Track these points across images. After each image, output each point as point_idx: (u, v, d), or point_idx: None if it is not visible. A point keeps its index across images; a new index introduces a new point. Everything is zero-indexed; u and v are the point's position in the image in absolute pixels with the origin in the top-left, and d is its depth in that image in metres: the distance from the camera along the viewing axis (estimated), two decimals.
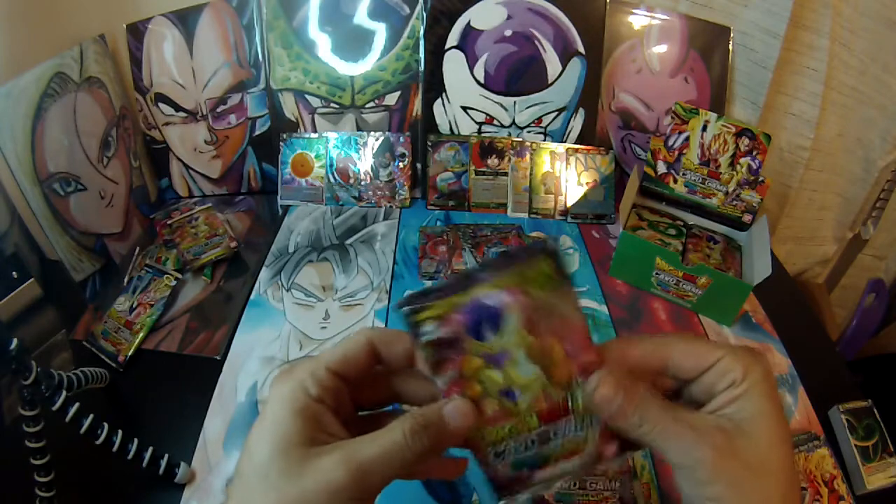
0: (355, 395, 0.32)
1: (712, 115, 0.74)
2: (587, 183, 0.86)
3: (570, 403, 0.29)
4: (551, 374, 0.29)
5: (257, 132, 0.87)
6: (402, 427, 0.28)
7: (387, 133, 0.86)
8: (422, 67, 0.84)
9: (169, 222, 0.79)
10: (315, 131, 0.86)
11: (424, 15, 0.82)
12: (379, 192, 0.86)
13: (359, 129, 0.87)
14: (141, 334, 0.65)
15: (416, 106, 0.86)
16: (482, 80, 0.84)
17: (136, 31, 0.82)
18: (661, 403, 0.29)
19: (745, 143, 0.73)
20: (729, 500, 0.27)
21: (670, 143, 0.77)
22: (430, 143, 0.86)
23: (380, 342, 0.31)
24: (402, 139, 0.85)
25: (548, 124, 0.87)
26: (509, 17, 0.82)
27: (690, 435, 0.28)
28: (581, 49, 0.84)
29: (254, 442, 0.28)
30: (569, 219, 0.85)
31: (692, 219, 0.80)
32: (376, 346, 0.31)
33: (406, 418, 0.28)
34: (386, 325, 0.68)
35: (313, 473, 0.26)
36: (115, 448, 0.49)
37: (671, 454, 0.28)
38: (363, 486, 0.27)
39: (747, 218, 0.76)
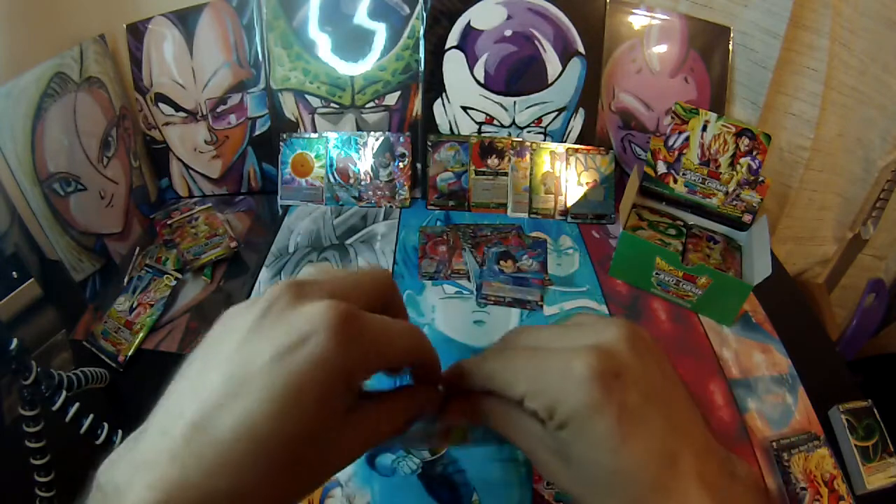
0: None
1: (712, 115, 0.74)
2: (587, 183, 0.86)
3: None
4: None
5: (257, 132, 0.87)
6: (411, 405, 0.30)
7: (387, 133, 0.86)
8: (422, 67, 0.84)
9: (169, 222, 0.79)
10: (315, 131, 0.86)
11: (424, 15, 0.82)
12: (379, 192, 0.86)
13: (359, 129, 0.87)
14: (141, 334, 0.65)
15: (416, 106, 0.86)
16: (482, 80, 0.84)
17: (136, 31, 0.82)
18: (497, 406, 0.30)
19: (745, 143, 0.73)
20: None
21: (670, 143, 0.77)
22: (430, 143, 0.86)
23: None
24: (402, 139, 0.85)
25: (548, 124, 0.87)
26: (509, 17, 0.82)
27: (523, 444, 0.30)
28: (581, 49, 0.84)
29: (287, 383, 0.23)
30: (569, 219, 0.85)
31: (692, 219, 0.80)
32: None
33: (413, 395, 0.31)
34: None
35: (342, 440, 0.25)
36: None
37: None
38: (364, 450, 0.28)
39: (747, 218, 0.76)
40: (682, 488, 0.24)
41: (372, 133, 0.85)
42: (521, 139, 0.87)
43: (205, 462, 0.21)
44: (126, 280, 0.73)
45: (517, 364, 0.29)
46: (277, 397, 0.22)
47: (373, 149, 0.85)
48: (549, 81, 0.85)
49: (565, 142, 0.88)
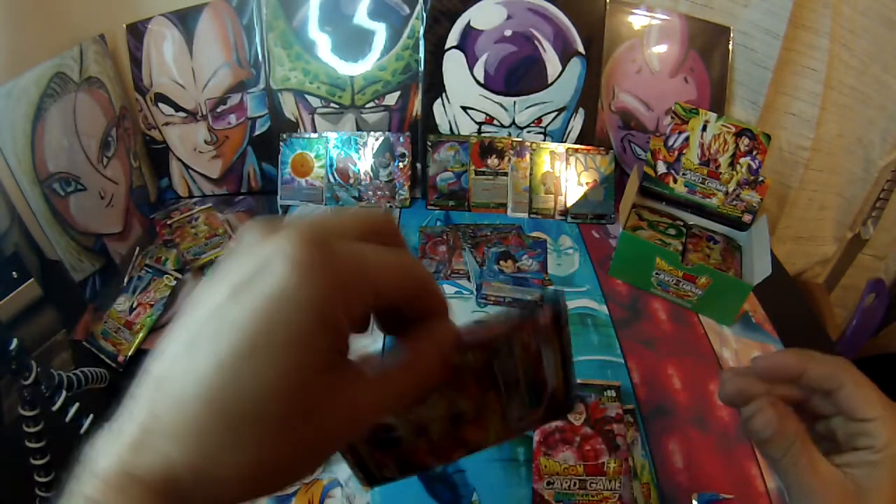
0: None
1: (712, 115, 0.74)
2: (587, 183, 0.86)
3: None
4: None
5: (257, 132, 0.87)
6: (434, 353, 0.23)
7: (387, 133, 0.86)
8: (422, 67, 0.84)
9: (169, 222, 0.79)
10: (315, 131, 0.86)
11: (424, 15, 0.82)
12: (379, 192, 0.86)
13: (359, 129, 0.87)
14: (141, 334, 0.65)
15: (416, 106, 0.86)
16: (482, 80, 0.84)
17: (136, 31, 0.82)
18: (805, 443, 0.30)
19: (745, 143, 0.73)
20: None
21: (670, 143, 0.77)
22: (430, 143, 0.86)
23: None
24: (402, 139, 0.85)
25: (548, 124, 0.87)
26: (509, 17, 0.82)
27: (815, 484, 0.29)
28: (581, 49, 0.84)
29: (267, 357, 0.19)
30: (569, 219, 0.85)
31: (692, 219, 0.80)
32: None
33: (430, 345, 0.23)
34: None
35: (325, 421, 0.20)
36: None
37: (792, 493, 0.30)
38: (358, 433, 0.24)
39: (747, 218, 0.76)
40: None
41: (372, 133, 0.85)
42: (521, 139, 0.87)
43: (161, 424, 0.19)
44: (126, 280, 0.73)
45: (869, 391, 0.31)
46: (233, 344, 0.18)
47: (373, 149, 0.85)
48: (549, 81, 0.85)
49: (565, 142, 0.88)
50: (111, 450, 0.19)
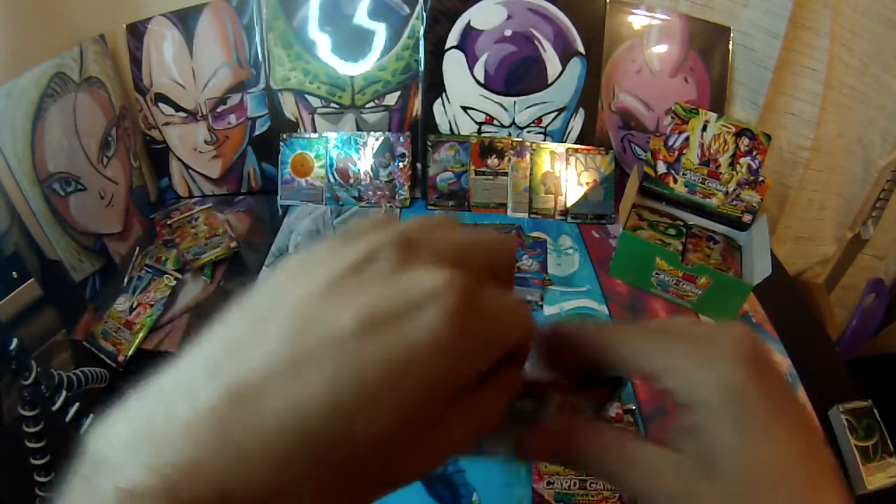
0: None
1: (712, 115, 0.74)
2: (587, 183, 0.86)
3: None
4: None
5: (257, 132, 0.87)
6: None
7: (387, 133, 0.86)
8: (422, 67, 0.84)
9: (169, 222, 0.79)
10: (315, 131, 0.86)
11: (424, 15, 0.82)
12: (379, 192, 0.86)
13: (359, 129, 0.87)
14: (141, 334, 0.65)
15: (416, 106, 0.86)
16: (482, 80, 0.84)
17: (136, 31, 0.82)
18: (615, 438, 0.23)
19: (745, 143, 0.73)
20: None
21: (670, 143, 0.77)
22: (430, 143, 0.85)
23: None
24: (402, 139, 0.85)
25: (548, 124, 0.87)
26: (509, 17, 0.82)
27: (647, 478, 0.22)
28: (581, 49, 0.84)
29: (386, 401, 0.16)
30: (569, 219, 0.85)
31: (692, 219, 0.80)
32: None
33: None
34: None
35: (418, 451, 0.18)
36: None
37: (638, 498, 0.23)
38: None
39: (747, 218, 0.76)
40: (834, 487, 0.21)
41: (372, 133, 0.85)
42: (521, 139, 0.87)
43: (233, 447, 0.15)
44: (126, 280, 0.73)
45: (655, 338, 0.24)
46: (357, 384, 0.16)
47: (373, 149, 0.85)
48: (549, 81, 0.85)
49: (565, 142, 0.88)
50: (143, 460, 0.15)
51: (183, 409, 0.16)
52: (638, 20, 0.85)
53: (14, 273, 0.60)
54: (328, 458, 0.16)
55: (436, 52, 0.83)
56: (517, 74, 0.84)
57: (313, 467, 0.16)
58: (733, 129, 0.73)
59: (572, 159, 0.86)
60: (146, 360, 0.64)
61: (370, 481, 0.17)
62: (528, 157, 0.86)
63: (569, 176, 0.86)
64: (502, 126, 0.87)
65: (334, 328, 0.16)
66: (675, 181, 0.78)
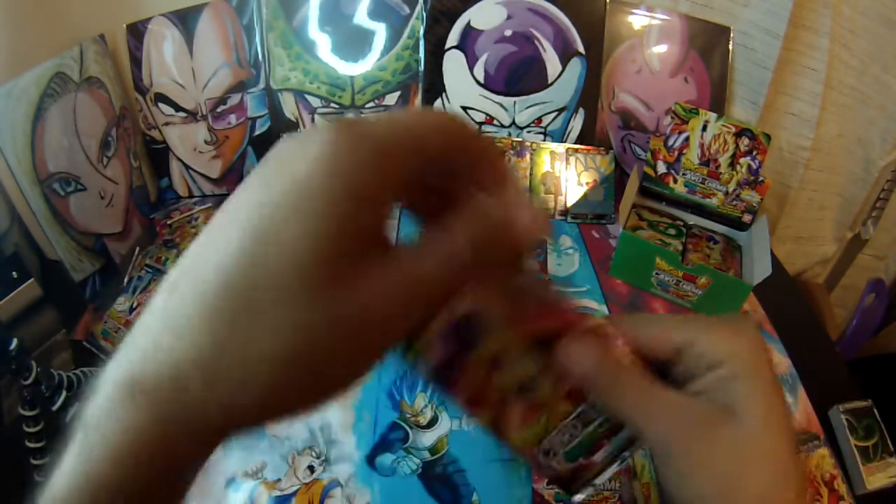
0: None
1: (712, 115, 0.74)
2: (587, 183, 0.86)
3: None
4: (553, 354, 0.27)
5: (257, 132, 0.87)
6: (465, 240, 0.20)
7: None
8: (422, 67, 0.84)
9: (169, 222, 0.79)
10: None
11: (424, 15, 0.82)
12: None
13: None
14: None
15: (417, 106, 0.86)
16: (482, 80, 0.84)
17: (136, 31, 0.82)
18: (639, 376, 0.25)
19: (745, 143, 0.73)
20: (713, 496, 0.24)
21: (670, 143, 0.77)
22: None
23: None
24: None
25: (548, 124, 0.87)
26: (509, 17, 0.82)
27: (666, 417, 0.24)
28: (581, 49, 0.84)
29: (282, 233, 0.17)
30: (569, 219, 0.85)
31: (692, 219, 0.80)
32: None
33: (467, 230, 0.20)
34: None
35: (359, 294, 0.18)
36: None
37: (647, 437, 0.25)
38: (411, 308, 0.19)
39: (747, 218, 0.76)
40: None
41: None
42: (521, 139, 0.87)
43: (172, 321, 0.17)
44: (126, 280, 0.73)
45: (682, 318, 0.27)
46: (256, 224, 0.17)
47: None
48: (549, 81, 0.85)
49: (565, 142, 0.88)
50: (122, 359, 0.18)
51: (147, 315, 0.18)
52: (638, 20, 0.85)
53: (14, 273, 0.60)
54: (260, 297, 0.17)
55: (436, 52, 0.83)
56: (517, 74, 0.84)
57: (248, 311, 0.17)
58: (733, 129, 0.73)
59: (572, 159, 0.86)
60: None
61: (323, 319, 0.17)
62: (528, 157, 0.86)
63: (569, 176, 0.86)
64: (502, 126, 0.87)
65: (242, 195, 0.19)
66: (675, 181, 0.78)
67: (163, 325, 0.17)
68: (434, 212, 0.22)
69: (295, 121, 0.86)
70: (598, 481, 0.28)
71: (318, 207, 0.17)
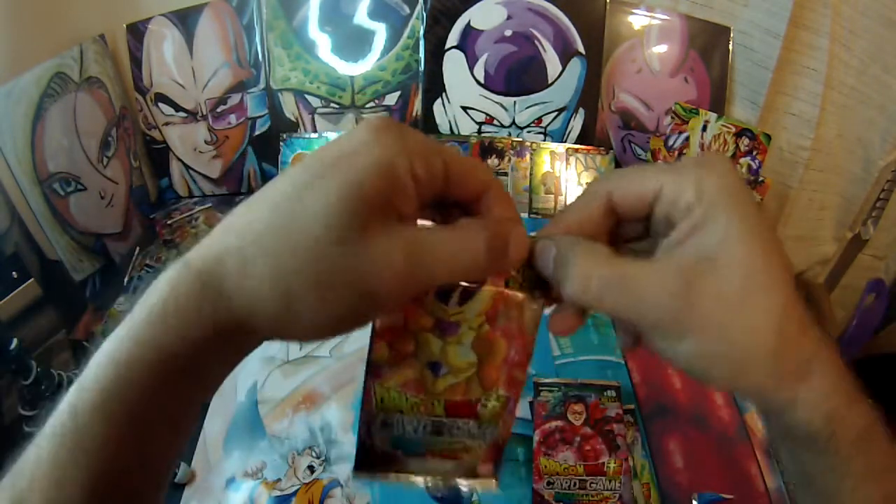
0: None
1: (712, 115, 0.74)
2: (587, 183, 0.86)
3: (479, 407, 0.27)
4: (483, 370, 0.27)
5: (257, 132, 0.87)
6: (483, 235, 0.23)
7: None
8: (422, 67, 0.84)
9: (169, 222, 0.79)
10: (315, 131, 0.86)
11: (424, 15, 0.82)
12: None
13: None
14: None
15: (416, 106, 0.86)
16: (482, 80, 0.84)
17: (136, 31, 0.82)
18: (606, 261, 0.25)
19: (745, 143, 0.73)
20: (708, 351, 0.23)
21: (670, 143, 0.77)
22: None
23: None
24: None
25: (548, 124, 0.87)
26: (509, 17, 0.82)
27: (640, 295, 0.23)
28: (581, 49, 0.84)
29: (313, 169, 0.21)
30: None
31: None
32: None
33: (486, 227, 0.24)
34: None
35: (372, 248, 0.21)
36: None
37: (633, 322, 0.25)
38: (418, 279, 0.22)
39: None
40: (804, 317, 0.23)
41: None
42: (521, 139, 0.87)
43: (226, 230, 0.22)
44: (126, 280, 0.73)
45: (643, 169, 0.26)
46: (300, 178, 0.21)
47: None
48: (549, 81, 0.85)
49: (565, 142, 0.88)
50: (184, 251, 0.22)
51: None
52: (638, 20, 0.85)
53: (14, 273, 0.60)
54: (295, 230, 0.21)
55: (436, 52, 0.83)
56: (517, 74, 0.84)
57: (284, 237, 0.21)
58: (733, 129, 0.73)
59: (572, 159, 0.86)
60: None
61: (342, 258, 0.21)
62: (528, 157, 0.86)
63: (569, 176, 0.86)
64: (502, 126, 0.87)
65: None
66: None
67: (220, 230, 0.22)
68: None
69: (295, 121, 0.86)
70: (381, 479, 0.28)
71: (352, 179, 0.21)
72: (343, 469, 0.54)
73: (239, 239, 0.21)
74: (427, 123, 0.86)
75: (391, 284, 0.22)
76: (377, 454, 0.27)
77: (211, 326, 0.21)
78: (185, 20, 0.81)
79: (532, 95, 0.85)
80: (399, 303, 0.25)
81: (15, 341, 0.44)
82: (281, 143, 0.86)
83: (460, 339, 0.27)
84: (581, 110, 0.86)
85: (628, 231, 0.28)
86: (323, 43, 0.83)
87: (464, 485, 0.29)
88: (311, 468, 0.54)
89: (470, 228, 0.24)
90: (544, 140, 0.87)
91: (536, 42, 0.83)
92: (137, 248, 0.78)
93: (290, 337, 0.23)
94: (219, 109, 0.85)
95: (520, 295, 0.28)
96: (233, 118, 0.85)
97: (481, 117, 0.86)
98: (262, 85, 0.84)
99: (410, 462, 0.28)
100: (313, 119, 0.86)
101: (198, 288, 0.21)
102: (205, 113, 0.85)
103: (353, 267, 0.21)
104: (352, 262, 0.21)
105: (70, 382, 0.23)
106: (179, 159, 0.87)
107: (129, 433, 0.20)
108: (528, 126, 0.87)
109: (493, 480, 0.28)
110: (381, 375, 0.27)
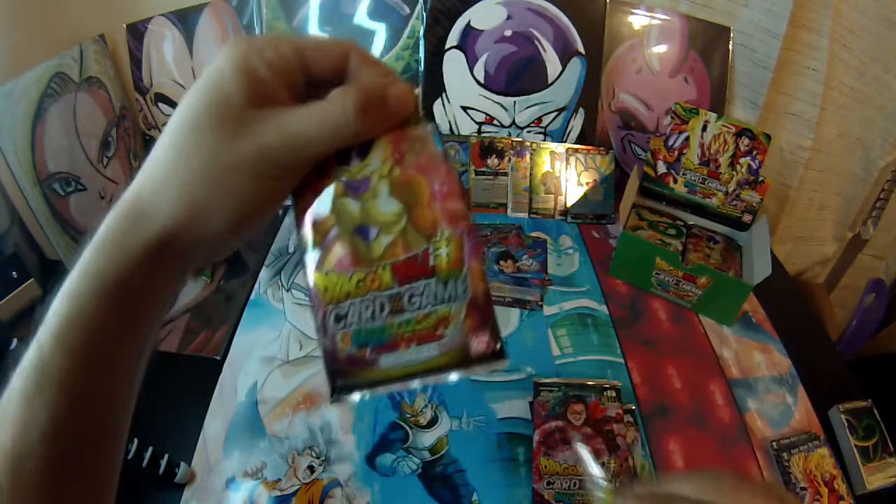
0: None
1: (712, 115, 0.74)
2: (587, 183, 0.86)
3: (431, 259, 0.24)
4: (414, 215, 0.24)
5: None
6: (344, 103, 0.25)
7: None
8: (422, 67, 0.84)
9: None
10: None
11: (424, 15, 0.82)
12: None
13: None
14: None
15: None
16: (482, 80, 0.84)
17: (136, 31, 0.82)
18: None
19: (745, 143, 0.73)
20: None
21: (670, 143, 0.77)
22: None
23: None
24: None
25: (548, 124, 0.87)
26: (509, 17, 0.82)
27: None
28: (581, 49, 0.84)
29: (189, 95, 0.25)
30: (569, 219, 0.85)
31: (692, 219, 0.80)
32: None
33: (348, 92, 0.25)
34: None
35: (246, 137, 0.24)
36: None
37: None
38: (296, 158, 0.25)
39: (747, 218, 0.76)
40: None
41: None
42: (521, 139, 0.87)
43: (141, 170, 0.25)
44: None
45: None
46: (180, 108, 0.25)
47: None
48: (549, 81, 0.85)
49: (565, 142, 0.88)
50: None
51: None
52: (638, 20, 0.85)
53: (14, 273, 0.60)
54: (178, 139, 0.24)
55: (436, 52, 0.83)
56: (517, 74, 0.84)
57: (174, 148, 0.25)
58: (733, 129, 0.73)
59: (572, 159, 0.86)
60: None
61: (228, 151, 0.24)
62: (528, 156, 0.86)
63: (569, 176, 0.86)
64: (502, 126, 0.87)
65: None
66: (675, 181, 0.78)
67: (141, 169, 0.25)
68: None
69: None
70: (368, 393, 0.24)
71: (213, 81, 0.24)
72: (343, 469, 0.54)
73: (150, 169, 0.25)
74: None
75: (274, 162, 0.24)
76: (345, 361, 0.24)
77: (140, 247, 0.24)
78: (185, 20, 0.81)
79: (532, 95, 0.85)
80: (291, 179, 0.26)
81: (15, 341, 0.44)
82: None
83: (376, 192, 0.25)
84: (581, 110, 0.86)
85: None
86: None
87: (462, 375, 0.23)
88: (311, 468, 0.54)
89: (334, 97, 0.25)
90: (544, 140, 0.87)
91: (536, 42, 0.83)
92: None
93: (211, 236, 0.25)
94: None
95: (416, 128, 0.26)
96: None
97: (481, 117, 0.86)
98: None
99: (383, 360, 0.24)
100: None
101: (125, 218, 0.24)
102: None
103: (235, 153, 0.24)
104: (234, 149, 0.24)
105: None
106: None
107: (87, 361, 0.23)
108: (528, 126, 0.87)
109: (498, 357, 0.23)
110: (315, 262, 0.25)
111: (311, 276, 0.25)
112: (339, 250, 0.25)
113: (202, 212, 0.24)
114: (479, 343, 0.23)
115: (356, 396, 0.24)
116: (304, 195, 0.26)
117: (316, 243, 0.25)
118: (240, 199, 0.24)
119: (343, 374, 0.24)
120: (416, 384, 0.24)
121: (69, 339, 0.23)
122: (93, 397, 0.24)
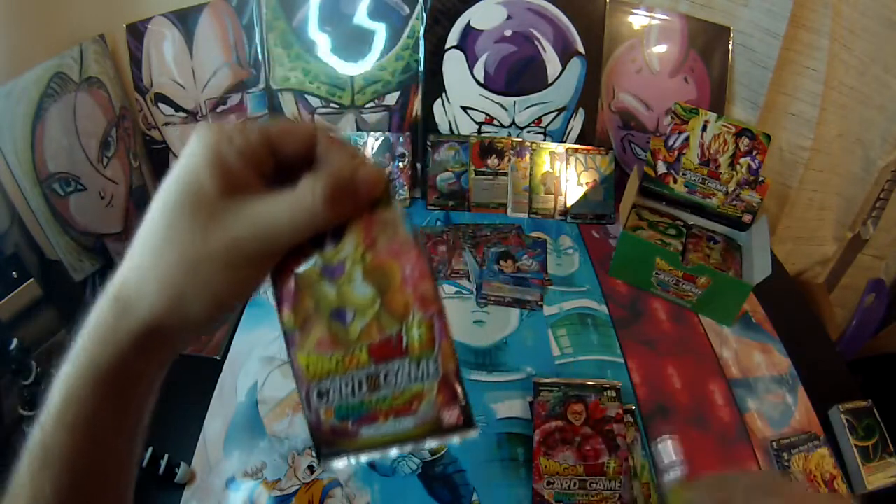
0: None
1: (712, 115, 0.74)
2: (587, 183, 0.86)
3: (404, 341, 0.26)
4: (387, 300, 0.26)
5: None
6: (313, 191, 0.25)
7: (387, 133, 0.86)
8: (422, 67, 0.84)
9: None
10: None
11: (424, 15, 0.82)
12: None
13: (359, 129, 0.86)
14: None
15: (416, 106, 0.86)
16: (482, 80, 0.84)
17: (136, 31, 0.82)
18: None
19: (745, 143, 0.73)
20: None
21: (670, 143, 0.77)
22: (430, 143, 0.85)
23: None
24: (401, 139, 0.85)
25: (548, 124, 0.87)
26: (509, 17, 0.82)
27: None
28: (581, 49, 0.84)
29: (167, 181, 0.25)
30: (569, 219, 0.85)
31: (692, 219, 0.80)
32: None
33: (317, 180, 0.25)
34: None
35: (218, 228, 0.25)
36: None
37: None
38: (268, 248, 0.25)
39: (747, 218, 0.76)
40: None
41: (372, 133, 0.85)
42: (521, 139, 0.87)
43: (124, 264, 0.26)
44: None
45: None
46: (155, 202, 0.25)
47: (373, 149, 0.85)
48: (549, 81, 0.85)
49: (565, 142, 0.88)
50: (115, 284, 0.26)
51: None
52: (638, 20, 0.85)
53: (14, 273, 0.60)
54: (153, 234, 0.25)
55: (436, 52, 0.83)
56: (517, 74, 0.84)
57: (150, 241, 0.25)
58: (733, 129, 0.73)
59: (572, 159, 0.86)
60: None
61: (203, 242, 0.24)
62: (527, 157, 0.86)
63: (569, 176, 0.86)
64: (502, 126, 0.87)
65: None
66: (675, 181, 0.78)
67: (125, 259, 0.26)
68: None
69: (295, 121, 0.86)
70: (353, 459, 0.26)
71: (184, 176, 0.25)
72: (343, 469, 0.54)
73: (133, 259, 0.26)
74: (427, 123, 0.86)
75: (245, 253, 0.25)
76: (329, 432, 0.26)
77: (129, 334, 0.25)
78: (185, 20, 0.81)
79: (532, 95, 0.85)
80: (264, 267, 0.26)
81: (15, 341, 0.44)
82: None
83: (350, 277, 0.26)
84: (581, 110, 0.86)
85: None
86: (323, 43, 0.83)
87: (437, 443, 0.26)
88: (311, 468, 0.54)
89: (303, 185, 0.25)
90: (544, 140, 0.87)
91: (536, 42, 0.83)
92: None
93: (192, 323, 0.26)
94: (219, 109, 0.85)
95: (387, 211, 0.26)
96: (233, 118, 0.85)
97: (481, 117, 0.86)
98: (261, 85, 0.84)
99: (364, 431, 0.26)
100: (313, 119, 0.86)
101: (113, 307, 0.25)
102: (205, 113, 0.85)
103: (208, 244, 0.24)
104: (207, 240, 0.24)
105: None
106: None
107: (86, 441, 0.25)
108: (527, 126, 0.87)
109: (467, 427, 0.25)
110: (296, 343, 0.26)
111: (294, 355, 0.26)
112: (318, 332, 0.26)
113: (181, 301, 0.25)
114: (450, 416, 0.25)
115: (342, 463, 0.26)
116: (282, 278, 0.27)
117: (296, 325, 0.27)
118: (215, 289, 0.25)
119: (328, 444, 0.26)
120: (395, 451, 0.26)
121: (69, 419, 0.25)
122: (94, 470, 0.25)
